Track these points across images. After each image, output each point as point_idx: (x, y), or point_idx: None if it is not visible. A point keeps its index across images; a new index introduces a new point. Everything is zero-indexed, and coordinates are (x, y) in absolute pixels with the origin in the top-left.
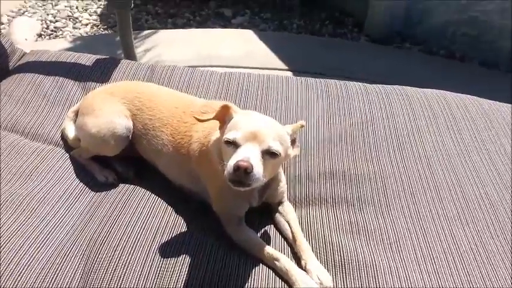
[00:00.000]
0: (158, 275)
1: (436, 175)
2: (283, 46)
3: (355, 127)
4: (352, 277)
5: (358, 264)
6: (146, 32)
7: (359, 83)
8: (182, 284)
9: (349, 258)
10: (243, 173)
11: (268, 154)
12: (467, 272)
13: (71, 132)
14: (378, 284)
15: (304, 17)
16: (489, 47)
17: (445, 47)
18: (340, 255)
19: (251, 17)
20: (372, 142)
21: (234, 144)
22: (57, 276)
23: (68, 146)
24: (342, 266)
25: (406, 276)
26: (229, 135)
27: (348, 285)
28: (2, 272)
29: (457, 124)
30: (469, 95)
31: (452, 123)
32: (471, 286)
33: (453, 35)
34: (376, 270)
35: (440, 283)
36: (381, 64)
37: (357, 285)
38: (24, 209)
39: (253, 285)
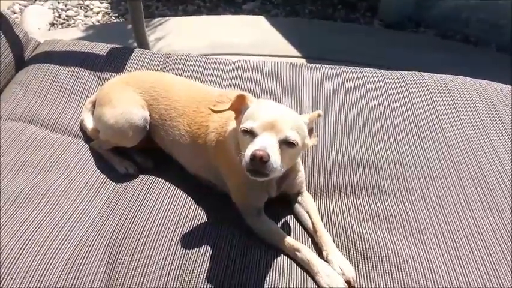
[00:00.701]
0: (181, 266)
1: (456, 161)
2: (296, 32)
3: (373, 114)
4: (374, 266)
5: (381, 254)
6: (157, 19)
7: (375, 69)
8: (204, 275)
9: (371, 248)
10: (259, 163)
11: (286, 144)
12: (492, 258)
13: (89, 124)
14: (401, 273)
15: (316, 1)
16: (505, 31)
17: (460, 31)
18: (362, 245)
19: (262, 2)
20: (390, 129)
21: (251, 134)
22: (82, 267)
23: (87, 137)
24: (364, 255)
25: (430, 264)
26: (246, 125)
27: (371, 275)
28: (28, 266)
29: (477, 109)
30: (487, 80)
31: (472, 108)
32: (497, 273)
33: (468, 18)
34: (399, 259)
35: (464, 271)
36: (396, 49)
37: (380, 275)
38: (47, 202)
39: (275, 276)
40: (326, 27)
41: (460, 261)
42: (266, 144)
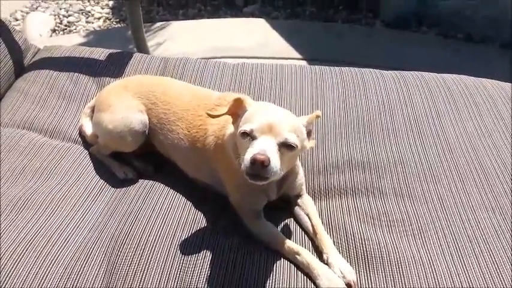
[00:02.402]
0: (180, 271)
1: (458, 161)
2: (296, 34)
3: (373, 115)
4: (375, 269)
5: (382, 256)
6: (158, 24)
7: (375, 70)
8: (204, 280)
9: (372, 250)
10: (259, 167)
11: (285, 147)
12: (494, 259)
13: (88, 129)
14: (402, 274)
15: (316, 3)
16: (509, 29)
17: (463, 29)
18: (363, 247)
19: (262, 5)
20: (390, 129)
21: (250, 137)
22: (81, 272)
23: (86, 142)
24: (364, 258)
25: (431, 265)
26: (245, 127)
27: (372, 277)
28: (28, 271)
29: (478, 108)
30: (489, 79)
31: (473, 107)
32: (499, 274)
33: (471, 16)
34: (400, 260)
35: (466, 271)
36: (398, 49)
37: (381, 276)
38: (47, 208)
39: (275, 279)
40: (327, 29)
41: (462, 262)
42: (266, 147)
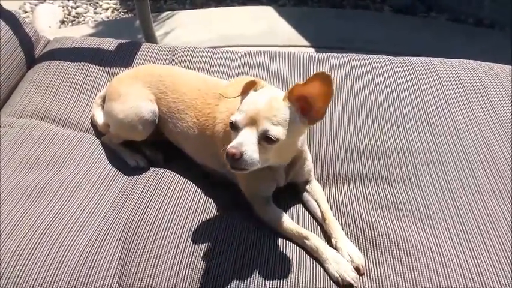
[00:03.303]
0: (192, 256)
1: (466, 147)
2: (304, 21)
3: (381, 101)
4: (383, 253)
5: (390, 240)
6: (165, 13)
7: (383, 56)
8: (215, 266)
9: (380, 235)
10: (232, 159)
11: (265, 139)
12: (503, 245)
13: (99, 119)
14: (410, 260)
15: None
16: None
17: (473, 14)
18: (371, 232)
19: None
20: (399, 116)
21: (236, 128)
22: (96, 258)
23: (98, 131)
24: (373, 242)
25: (439, 250)
26: (232, 117)
27: (380, 262)
28: (45, 256)
29: (487, 92)
30: (498, 64)
31: (482, 92)
32: (507, 259)
33: (480, 1)
34: (408, 245)
35: (474, 256)
36: (407, 35)
37: (389, 261)
38: (61, 196)
39: (285, 265)
40: (335, 15)
41: (470, 247)
42: (243, 140)
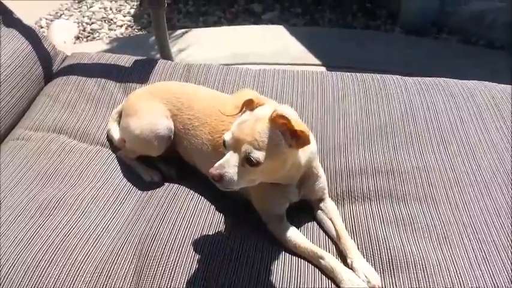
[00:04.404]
0: (206, 272)
1: (482, 167)
2: (316, 41)
3: (395, 121)
4: (400, 274)
5: (407, 261)
6: (179, 31)
7: (397, 76)
8: (229, 282)
9: (397, 255)
10: (212, 180)
11: (248, 162)
12: None
13: (116, 134)
14: (428, 280)
15: (335, 9)
16: None
17: (484, 36)
18: (387, 252)
19: (281, 12)
20: (413, 136)
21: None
22: (111, 272)
23: (114, 146)
24: (389, 263)
25: (457, 272)
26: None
27: (397, 283)
28: (60, 270)
29: (501, 114)
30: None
31: (496, 113)
32: None
33: (492, 23)
34: (426, 266)
35: (492, 277)
36: (418, 56)
37: (407, 282)
38: (77, 209)
39: (300, 283)
40: (346, 35)
41: (488, 268)
42: (224, 162)
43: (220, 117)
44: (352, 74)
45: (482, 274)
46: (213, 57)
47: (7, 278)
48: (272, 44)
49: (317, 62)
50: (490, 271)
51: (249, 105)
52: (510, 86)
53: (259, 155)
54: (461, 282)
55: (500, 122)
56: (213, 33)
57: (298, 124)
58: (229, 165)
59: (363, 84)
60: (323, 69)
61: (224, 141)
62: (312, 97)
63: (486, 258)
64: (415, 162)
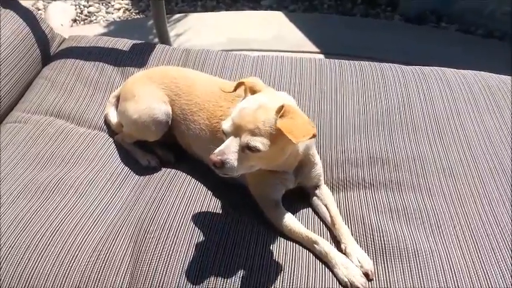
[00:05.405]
0: (203, 254)
1: (477, 158)
2: (314, 28)
3: (392, 110)
4: (392, 259)
5: (399, 247)
6: (177, 15)
7: (394, 65)
8: (225, 266)
9: (390, 241)
10: (213, 166)
11: (248, 148)
12: (511, 252)
13: (113, 118)
14: (419, 267)
15: None
16: None
17: (483, 25)
18: (381, 238)
19: None
20: (409, 125)
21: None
22: (108, 255)
23: (111, 130)
24: (382, 249)
25: (448, 258)
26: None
27: (389, 268)
28: (59, 251)
29: (498, 104)
30: (509, 76)
31: (493, 103)
32: None
33: (492, 12)
34: (418, 253)
35: (483, 264)
36: (417, 45)
37: (398, 268)
38: (75, 193)
39: (295, 268)
40: (345, 23)
41: (479, 254)
42: (225, 149)
43: (218, 103)
44: (351, 61)
45: (472, 261)
46: (210, 43)
47: (6, 258)
48: (270, 30)
49: (315, 49)
50: (481, 258)
51: (244, 86)
52: (508, 76)
53: (260, 143)
54: (452, 269)
55: (496, 113)
56: (211, 18)
57: (304, 122)
58: (229, 151)
59: (361, 72)
60: (321, 56)
61: (222, 130)
62: (310, 85)
63: (477, 246)
64: (410, 151)
